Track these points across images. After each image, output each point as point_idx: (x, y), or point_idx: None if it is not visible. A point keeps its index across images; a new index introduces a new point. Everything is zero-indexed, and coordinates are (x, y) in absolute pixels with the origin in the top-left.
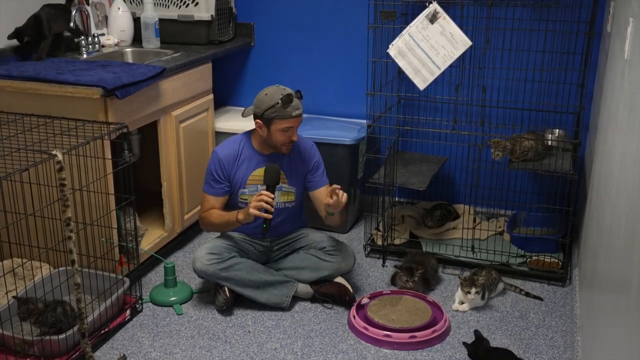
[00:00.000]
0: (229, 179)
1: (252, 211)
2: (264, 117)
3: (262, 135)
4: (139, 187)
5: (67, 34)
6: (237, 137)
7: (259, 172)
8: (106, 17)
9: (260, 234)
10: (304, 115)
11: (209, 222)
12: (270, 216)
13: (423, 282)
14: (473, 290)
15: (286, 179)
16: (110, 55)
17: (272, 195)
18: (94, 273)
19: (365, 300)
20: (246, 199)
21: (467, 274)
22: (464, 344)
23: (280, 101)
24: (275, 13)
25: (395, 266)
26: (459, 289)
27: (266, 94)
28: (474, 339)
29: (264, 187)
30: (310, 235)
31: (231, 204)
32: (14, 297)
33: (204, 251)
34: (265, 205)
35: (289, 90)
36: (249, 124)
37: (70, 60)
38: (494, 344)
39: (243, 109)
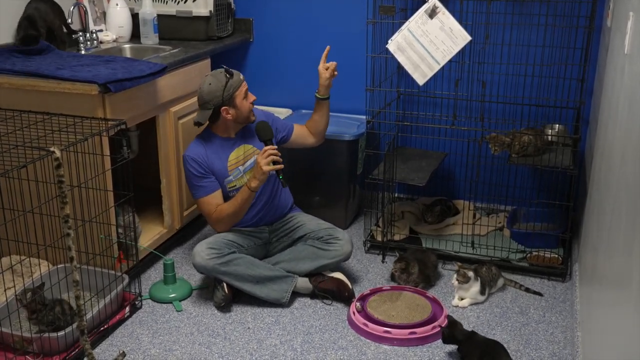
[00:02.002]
0: (212, 172)
1: (266, 168)
2: (225, 101)
3: (232, 118)
4: (137, 184)
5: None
6: (196, 140)
7: (235, 155)
8: (104, 13)
9: (265, 221)
10: (303, 111)
11: (224, 217)
12: (282, 166)
13: (422, 278)
14: (471, 274)
15: (258, 150)
16: (108, 51)
17: (275, 147)
18: (92, 270)
19: (358, 304)
20: (234, 185)
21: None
22: (440, 326)
23: (226, 76)
24: (274, 8)
25: (398, 254)
26: (454, 277)
27: (210, 84)
28: (447, 323)
29: (246, 166)
30: (307, 224)
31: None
32: (43, 283)
33: (203, 246)
34: (274, 157)
35: (219, 69)
36: None
37: (78, 54)
38: (494, 339)
39: None
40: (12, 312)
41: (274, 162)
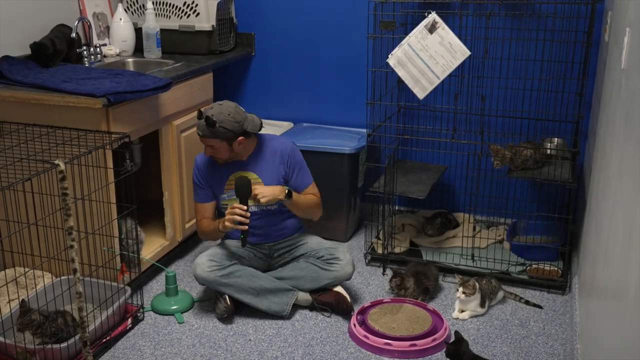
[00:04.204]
0: (210, 185)
1: (227, 224)
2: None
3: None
4: (140, 196)
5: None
6: None
7: (234, 177)
8: (108, 28)
9: (266, 241)
10: (304, 124)
11: (202, 231)
12: (246, 227)
13: (421, 290)
14: (477, 285)
15: (261, 181)
16: (112, 65)
17: (244, 207)
18: (95, 282)
19: (359, 317)
20: (226, 204)
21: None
22: (445, 342)
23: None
24: (275, 23)
25: (392, 272)
26: (459, 291)
27: (229, 114)
28: (453, 339)
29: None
30: (309, 243)
31: (217, 210)
32: (23, 299)
33: (204, 258)
34: (238, 218)
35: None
36: None
37: (89, 68)
38: (494, 352)
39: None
40: (15, 323)
41: (240, 222)
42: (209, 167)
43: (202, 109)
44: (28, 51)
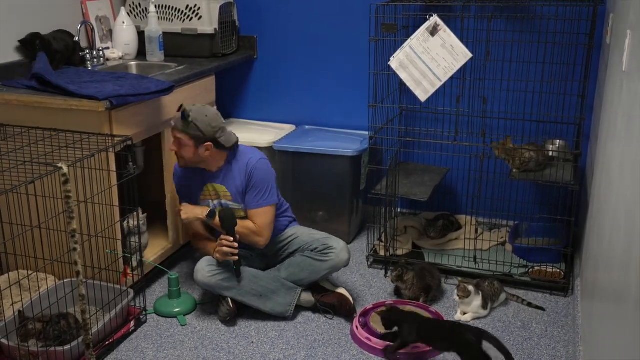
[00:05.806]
0: (189, 191)
1: (216, 256)
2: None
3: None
4: (143, 199)
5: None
6: None
7: (208, 188)
8: (111, 31)
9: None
10: (307, 127)
11: (195, 246)
12: (237, 258)
13: (422, 287)
14: (471, 288)
15: (230, 195)
16: (114, 68)
17: (231, 239)
18: (98, 284)
19: (361, 320)
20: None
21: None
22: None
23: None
24: (277, 26)
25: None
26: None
27: (207, 116)
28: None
29: (215, 202)
30: (300, 237)
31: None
32: (19, 310)
33: (204, 263)
34: (225, 250)
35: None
36: (251, 135)
37: (91, 71)
38: (496, 354)
39: (247, 121)
40: (18, 326)
41: (232, 253)
42: (186, 174)
43: (184, 104)
44: None
